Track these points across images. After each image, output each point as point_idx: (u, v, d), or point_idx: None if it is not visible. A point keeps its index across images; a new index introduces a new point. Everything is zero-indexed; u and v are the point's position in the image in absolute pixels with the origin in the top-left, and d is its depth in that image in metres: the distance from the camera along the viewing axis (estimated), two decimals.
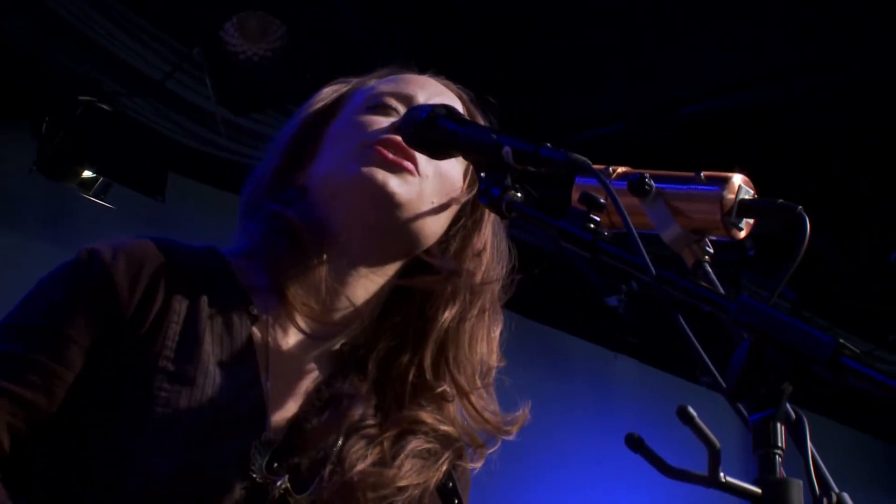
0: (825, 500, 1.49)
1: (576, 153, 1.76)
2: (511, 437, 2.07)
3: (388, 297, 2.09)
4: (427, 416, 2.02)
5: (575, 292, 6.66)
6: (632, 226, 1.66)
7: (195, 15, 5.24)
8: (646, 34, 5.30)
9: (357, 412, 1.98)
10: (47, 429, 1.87)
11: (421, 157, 1.99)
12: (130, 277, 1.93)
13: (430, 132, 1.90)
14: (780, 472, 1.48)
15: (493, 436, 2.07)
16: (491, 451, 2.07)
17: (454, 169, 2.07)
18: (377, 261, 2.05)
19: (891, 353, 7.42)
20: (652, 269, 1.61)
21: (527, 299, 6.64)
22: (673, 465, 1.48)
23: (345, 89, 2.19)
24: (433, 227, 2.06)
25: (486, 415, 2.05)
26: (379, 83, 2.16)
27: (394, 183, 1.97)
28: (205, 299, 1.97)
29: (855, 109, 5.54)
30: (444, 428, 2.03)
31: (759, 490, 1.46)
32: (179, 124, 5.75)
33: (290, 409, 1.97)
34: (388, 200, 1.97)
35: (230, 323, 1.98)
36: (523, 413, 2.08)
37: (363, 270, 2.04)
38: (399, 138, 1.97)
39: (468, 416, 2.04)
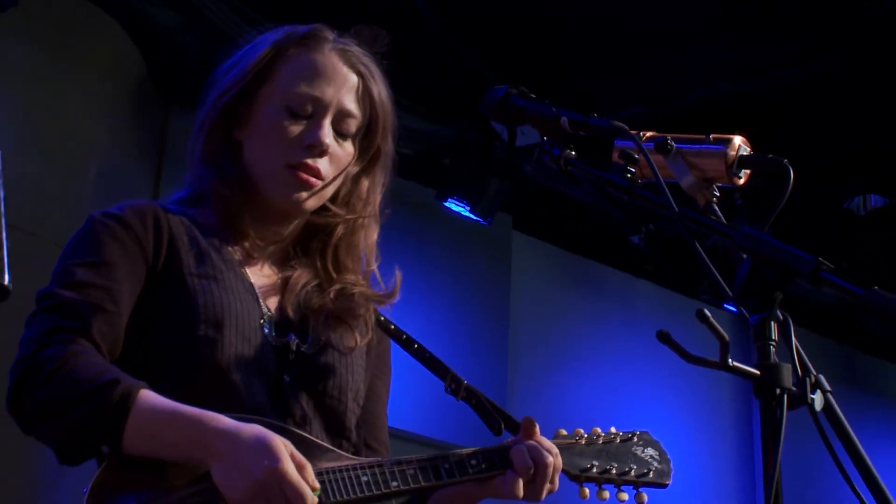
0: (807, 379, 1.49)
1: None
2: (395, 300, 2.13)
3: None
4: (351, 277, 2.09)
5: (607, 232, 6.61)
6: (659, 175, 1.67)
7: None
8: (668, 37, 5.23)
9: (307, 276, 2.05)
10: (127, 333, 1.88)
11: (323, 164, 2.00)
12: (140, 221, 1.94)
13: (505, 107, 1.90)
14: (774, 358, 1.47)
15: (382, 302, 2.13)
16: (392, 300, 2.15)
17: (348, 148, 2.06)
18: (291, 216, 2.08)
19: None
20: (675, 206, 1.62)
21: (570, 237, 6.66)
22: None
23: (274, 51, 2.07)
24: (328, 193, 2.07)
25: (369, 293, 2.09)
26: (297, 76, 2.05)
27: (304, 195, 2.00)
28: (195, 229, 2.00)
29: (823, 92, 5.48)
30: (361, 285, 2.09)
31: (758, 371, 1.46)
32: None
33: (271, 296, 2.02)
34: (299, 206, 2.02)
35: (216, 245, 2.00)
36: (397, 276, 2.13)
37: (281, 218, 2.06)
38: (310, 161, 1.99)
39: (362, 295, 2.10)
